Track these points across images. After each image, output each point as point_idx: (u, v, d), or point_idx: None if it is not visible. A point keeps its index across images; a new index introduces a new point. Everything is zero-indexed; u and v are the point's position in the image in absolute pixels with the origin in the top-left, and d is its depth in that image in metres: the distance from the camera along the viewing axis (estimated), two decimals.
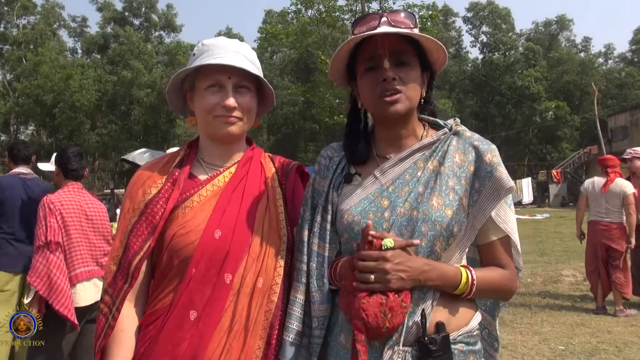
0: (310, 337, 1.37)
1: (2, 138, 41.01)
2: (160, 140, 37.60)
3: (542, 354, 4.66)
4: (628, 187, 5.97)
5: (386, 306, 1.19)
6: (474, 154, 1.36)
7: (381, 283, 1.20)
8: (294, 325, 1.38)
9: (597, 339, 5.04)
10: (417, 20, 1.37)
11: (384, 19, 1.32)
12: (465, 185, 1.33)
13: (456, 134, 1.41)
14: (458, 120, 1.45)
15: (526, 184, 32.05)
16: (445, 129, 1.42)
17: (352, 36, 1.35)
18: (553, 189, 34.47)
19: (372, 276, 1.20)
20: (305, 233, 1.41)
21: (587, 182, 6.42)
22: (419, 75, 1.37)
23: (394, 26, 1.31)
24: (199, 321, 1.36)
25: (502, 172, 1.32)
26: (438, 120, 1.46)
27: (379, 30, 1.30)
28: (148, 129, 38.13)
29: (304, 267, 1.39)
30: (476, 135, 1.41)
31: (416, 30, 1.35)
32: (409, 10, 1.50)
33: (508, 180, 1.31)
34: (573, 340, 5.01)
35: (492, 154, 1.35)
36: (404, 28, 1.32)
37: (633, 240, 5.95)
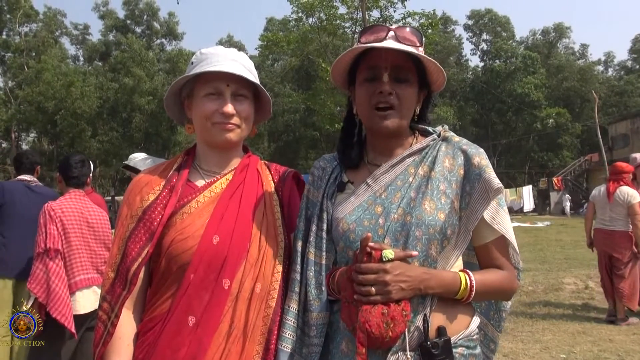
0: (309, 346, 1.37)
1: (3, 145, 41.09)
2: (161, 147, 37.60)
3: None
4: (633, 197, 5.85)
5: (388, 316, 1.19)
6: (462, 158, 1.38)
7: (382, 295, 1.20)
8: (288, 334, 1.38)
9: (598, 348, 5.01)
10: (423, 39, 1.39)
11: (391, 33, 1.35)
12: (456, 189, 1.35)
13: (445, 139, 1.44)
14: (446, 126, 1.48)
15: (527, 191, 32.03)
16: (434, 135, 1.44)
17: (359, 44, 1.37)
18: (554, 197, 34.41)
19: (373, 289, 1.20)
20: (300, 243, 1.43)
21: (595, 190, 6.41)
22: (415, 93, 1.40)
23: (400, 42, 1.34)
24: (197, 327, 1.36)
25: (491, 173, 1.35)
26: (427, 127, 1.49)
27: (384, 43, 1.33)
28: (149, 136, 38.12)
29: (298, 276, 1.40)
30: (464, 140, 1.44)
31: (421, 49, 1.37)
32: (416, 27, 1.52)
33: (496, 181, 1.34)
34: (575, 349, 4.98)
35: (480, 157, 1.37)
36: (409, 45, 1.34)
37: None
